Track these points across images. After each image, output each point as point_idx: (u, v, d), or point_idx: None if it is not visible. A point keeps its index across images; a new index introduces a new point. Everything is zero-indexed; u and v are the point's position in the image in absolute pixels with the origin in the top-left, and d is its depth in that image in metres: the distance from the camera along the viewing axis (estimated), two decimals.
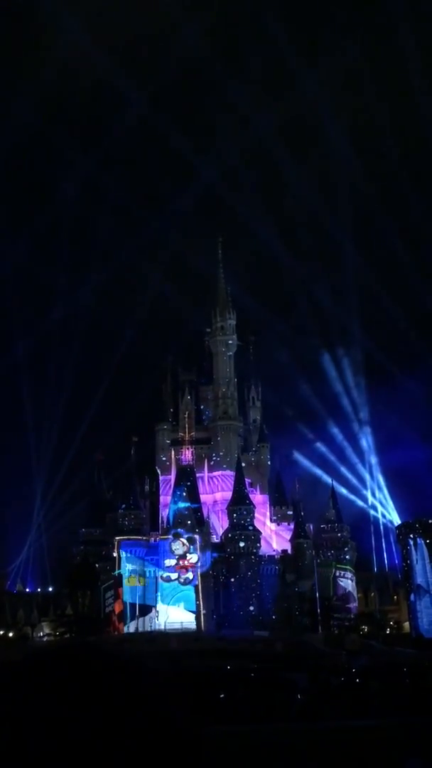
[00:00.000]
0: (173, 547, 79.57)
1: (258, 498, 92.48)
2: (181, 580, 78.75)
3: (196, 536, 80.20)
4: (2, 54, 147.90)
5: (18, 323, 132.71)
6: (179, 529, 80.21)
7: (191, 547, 79.69)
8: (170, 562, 79.53)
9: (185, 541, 79.68)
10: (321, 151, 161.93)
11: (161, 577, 79.26)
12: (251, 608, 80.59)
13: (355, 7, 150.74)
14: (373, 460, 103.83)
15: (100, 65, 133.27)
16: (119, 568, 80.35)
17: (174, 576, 78.91)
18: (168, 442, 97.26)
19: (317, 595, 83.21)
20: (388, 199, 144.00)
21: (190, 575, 79.01)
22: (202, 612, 77.53)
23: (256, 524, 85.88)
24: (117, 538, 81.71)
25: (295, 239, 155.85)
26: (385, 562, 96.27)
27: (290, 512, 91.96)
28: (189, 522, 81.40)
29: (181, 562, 79.23)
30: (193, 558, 79.50)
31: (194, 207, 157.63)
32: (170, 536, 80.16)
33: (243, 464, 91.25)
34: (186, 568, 79.10)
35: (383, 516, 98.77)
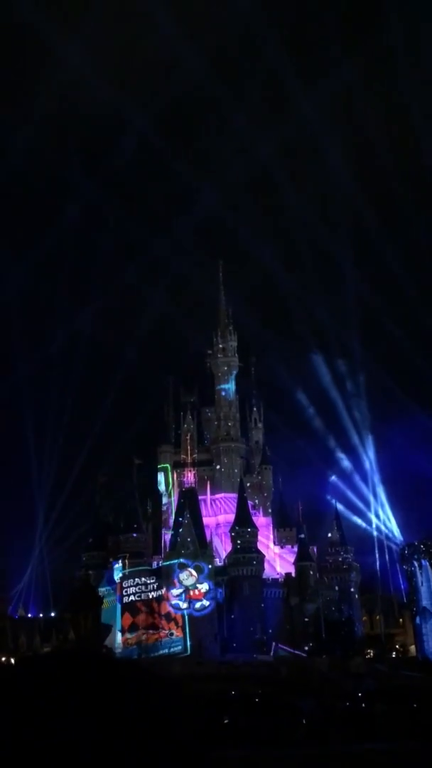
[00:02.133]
0: (181, 578, 79.04)
1: (261, 520, 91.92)
2: (197, 608, 78.07)
3: (204, 565, 79.61)
4: (4, 80, 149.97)
5: (20, 346, 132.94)
6: (183, 559, 79.67)
7: (199, 576, 79.19)
8: (177, 591, 78.82)
9: (193, 571, 79.12)
10: (320, 173, 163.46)
11: (171, 605, 78.52)
12: (255, 632, 79.76)
13: (352, 31, 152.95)
14: (377, 480, 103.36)
15: (101, 91, 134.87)
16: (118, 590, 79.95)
17: (184, 605, 78.20)
18: (170, 462, 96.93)
19: (322, 618, 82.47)
20: (388, 220, 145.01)
21: (205, 602, 78.34)
22: None
23: (260, 547, 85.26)
24: (117, 563, 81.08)
25: (295, 261, 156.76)
26: (390, 584, 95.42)
27: (296, 535, 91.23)
28: (192, 547, 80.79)
29: (191, 593, 78.63)
30: (203, 587, 78.90)
31: (195, 230, 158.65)
32: (175, 566, 79.53)
33: (247, 485, 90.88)
34: (197, 598, 78.51)
35: (387, 537, 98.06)
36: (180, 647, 76.25)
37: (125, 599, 78.77)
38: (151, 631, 77.35)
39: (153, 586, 78.75)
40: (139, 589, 78.95)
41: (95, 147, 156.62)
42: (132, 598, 78.57)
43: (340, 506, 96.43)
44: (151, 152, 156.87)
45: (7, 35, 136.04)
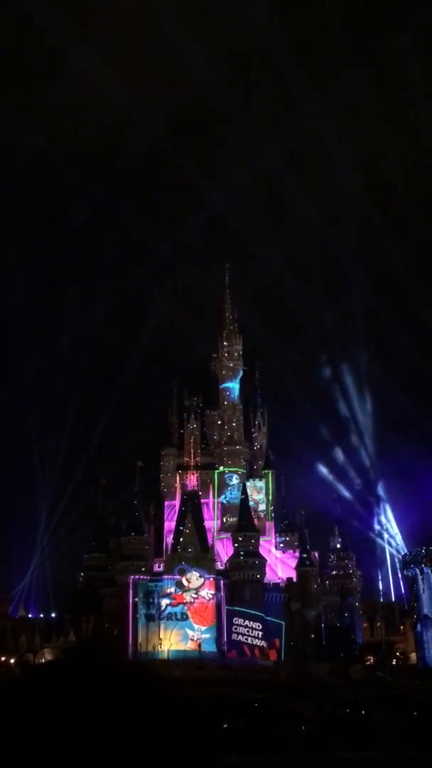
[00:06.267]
0: (183, 582, 79.23)
1: (263, 524, 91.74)
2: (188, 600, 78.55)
3: (196, 571, 79.56)
4: (16, 84, 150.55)
5: (25, 348, 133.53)
6: (184, 565, 79.72)
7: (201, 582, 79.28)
8: (173, 592, 78.88)
9: (192, 577, 79.27)
10: (327, 178, 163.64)
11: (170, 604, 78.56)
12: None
13: (361, 39, 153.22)
14: (380, 487, 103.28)
15: (110, 95, 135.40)
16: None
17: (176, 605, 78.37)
18: (173, 465, 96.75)
19: (323, 624, 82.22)
20: (394, 225, 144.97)
21: (206, 594, 78.68)
22: None
23: (261, 551, 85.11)
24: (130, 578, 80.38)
25: (301, 265, 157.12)
26: (392, 591, 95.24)
27: (298, 540, 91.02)
28: (193, 550, 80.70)
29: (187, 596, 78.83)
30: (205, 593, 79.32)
31: (202, 233, 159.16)
32: (176, 572, 79.52)
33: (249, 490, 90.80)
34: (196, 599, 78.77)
35: (389, 544, 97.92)
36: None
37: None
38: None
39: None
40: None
41: (103, 150, 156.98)
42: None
43: (341, 511, 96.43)
44: (159, 156, 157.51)
45: (19, 39, 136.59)
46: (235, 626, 78.71)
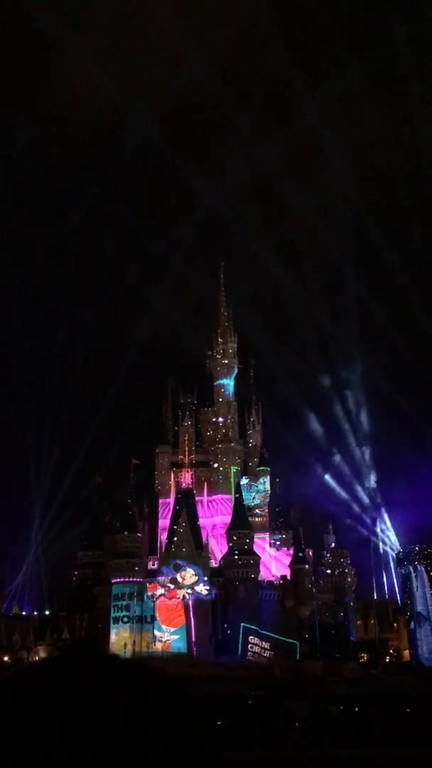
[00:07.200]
0: (177, 579, 79.11)
1: (257, 522, 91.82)
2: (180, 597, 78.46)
3: (191, 569, 79.43)
4: (10, 80, 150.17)
5: (20, 345, 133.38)
6: (179, 560, 79.49)
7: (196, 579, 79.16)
8: (163, 580, 78.90)
9: (186, 575, 79.10)
10: (322, 176, 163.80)
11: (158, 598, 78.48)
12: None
13: (357, 38, 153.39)
14: (374, 485, 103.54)
15: (105, 91, 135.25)
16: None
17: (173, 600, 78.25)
18: (167, 462, 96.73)
19: (317, 621, 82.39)
20: (389, 224, 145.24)
21: (204, 590, 78.61)
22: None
23: (256, 549, 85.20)
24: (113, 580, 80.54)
25: (296, 263, 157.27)
26: (385, 588, 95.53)
27: (292, 537, 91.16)
28: (187, 548, 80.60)
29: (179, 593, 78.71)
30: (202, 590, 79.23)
31: (197, 231, 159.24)
32: (171, 567, 79.27)
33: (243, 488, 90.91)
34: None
35: (383, 542, 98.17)
36: None
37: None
38: None
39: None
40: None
41: (98, 147, 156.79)
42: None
43: (336, 509, 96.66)
44: (155, 153, 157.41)
45: (13, 35, 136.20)
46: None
